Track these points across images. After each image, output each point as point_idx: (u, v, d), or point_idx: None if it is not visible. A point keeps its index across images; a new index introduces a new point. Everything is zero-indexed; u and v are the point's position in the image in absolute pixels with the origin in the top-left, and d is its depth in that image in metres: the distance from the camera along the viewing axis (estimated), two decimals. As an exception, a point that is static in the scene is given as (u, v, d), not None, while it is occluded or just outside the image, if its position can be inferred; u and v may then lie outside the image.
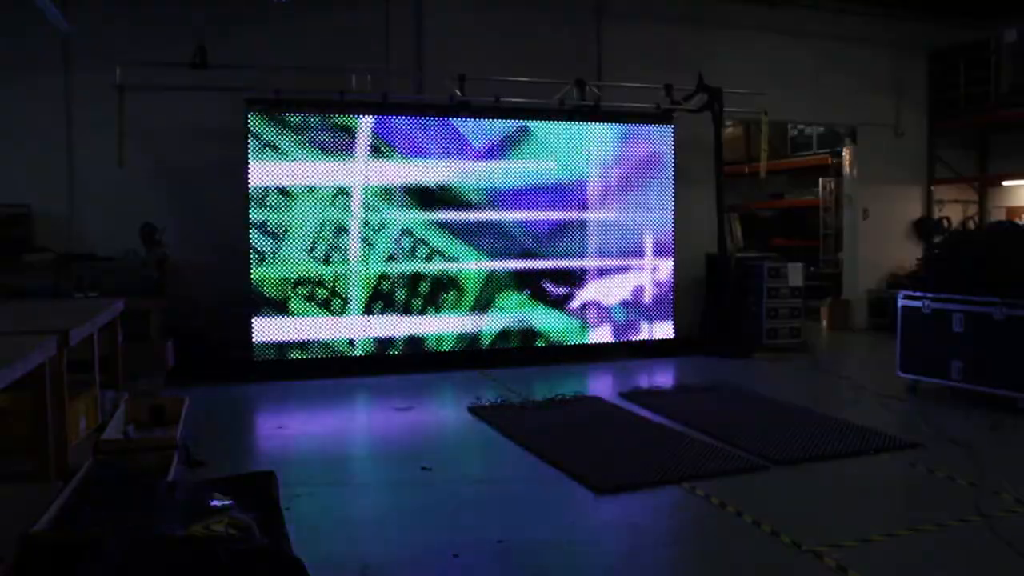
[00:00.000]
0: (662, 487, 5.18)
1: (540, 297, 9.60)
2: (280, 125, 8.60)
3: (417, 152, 9.07)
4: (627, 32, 10.76)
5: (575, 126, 9.71)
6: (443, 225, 9.19)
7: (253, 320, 8.56)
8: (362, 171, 8.88)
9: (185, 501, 3.72)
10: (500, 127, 9.40)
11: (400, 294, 9.05)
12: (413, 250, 9.08)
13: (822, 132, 14.19)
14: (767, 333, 10.59)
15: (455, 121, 9.22)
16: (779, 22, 11.51)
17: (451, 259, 9.23)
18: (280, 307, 8.64)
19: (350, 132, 8.83)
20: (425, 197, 9.10)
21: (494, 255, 9.39)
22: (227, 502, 3.73)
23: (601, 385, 8.28)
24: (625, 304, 10.01)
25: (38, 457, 4.32)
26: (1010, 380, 6.98)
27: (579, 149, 9.72)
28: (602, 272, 9.88)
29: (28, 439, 4.39)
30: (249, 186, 8.52)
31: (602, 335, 9.93)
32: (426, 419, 7.22)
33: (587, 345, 9.87)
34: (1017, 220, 12.07)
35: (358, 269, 8.91)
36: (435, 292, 9.19)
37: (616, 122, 9.91)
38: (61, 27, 8.18)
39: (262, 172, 8.56)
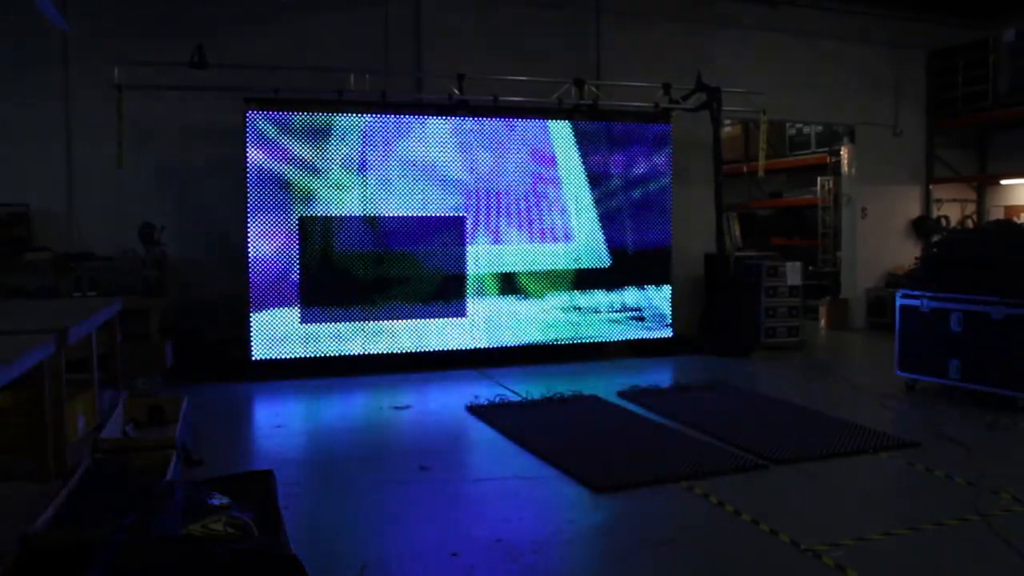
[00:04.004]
0: (660, 486, 5.18)
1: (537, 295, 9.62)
2: (279, 124, 8.62)
3: (414, 148, 9.10)
4: (626, 31, 10.76)
5: (573, 124, 9.72)
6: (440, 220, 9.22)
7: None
8: (360, 169, 8.89)
9: (183, 500, 3.71)
10: (497, 125, 9.41)
11: (399, 292, 9.07)
12: (414, 247, 9.11)
13: (820, 131, 14.20)
14: (765, 332, 10.60)
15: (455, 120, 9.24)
16: (778, 21, 11.51)
17: (449, 256, 9.26)
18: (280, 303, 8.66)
19: (349, 131, 8.85)
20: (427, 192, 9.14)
21: (486, 255, 9.41)
22: (225, 501, 3.72)
23: (599, 384, 8.28)
24: (623, 303, 10.01)
25: (37, 456, 4.32)
26: (1008, 379, 6.99)
27: (577, 148, 9.72)
28: (600, 270, 9.88)
29: (27, 438, 4.39)
30: (248, 185, 8.52)
31: (600, 334, 9.93)
32: (425, 418, 7.22)
33: (585, 344, 9.86)
34: (1015, 219, 12.09)
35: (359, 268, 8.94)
36: (437, 288, 9.21)
37: (614, 121, 9.91)
38: (61, 27, 8.17)
39: (261, 171, 8.56)
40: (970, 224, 13.00)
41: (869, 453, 5.91)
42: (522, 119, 9.51)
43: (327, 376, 8.73)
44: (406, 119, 9.06)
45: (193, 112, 8.93)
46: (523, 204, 9.51)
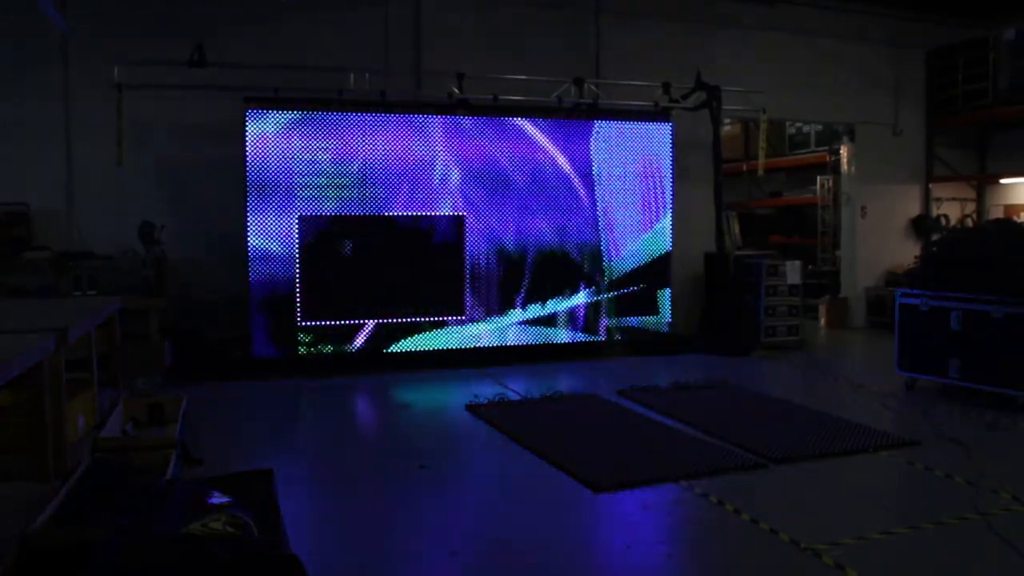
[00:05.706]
0: (660, 485, 5.18)
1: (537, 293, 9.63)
2: (279, 124, 8.61)
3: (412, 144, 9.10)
4: (625, 30, 10.75)
5: (573, 124, 9.71)
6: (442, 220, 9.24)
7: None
8: (360, 168, 8.89)
9: (183, 499, 3.71)
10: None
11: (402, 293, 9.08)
12: (413, 246, 9.12)
13: (820, 130, 14.20)
14: (765, 331, 10.60)
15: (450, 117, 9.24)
16: (778, 20, 11.51)
17: (449, 255, 9.26)
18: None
19: (348, 130, 8.85)
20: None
21: (485, 254, 9.42)
22: (226, 500, 3.73)
23: (599, 383, 8.28)
24: (623, 301, 10.00)
25: (36, 456, 4.32)
26: (1008, 378, 6.99)
27: (576, 147, 9.72)
28: (600, 270, 9.88)
29: (27, 438, 4.39)
30: (248, 185, 8.52)
31: (599, 333, 9.92)
32: (424, 417, 7.22)
33: (585, 343, 9.86)
34: (1015, 218, 12.09)
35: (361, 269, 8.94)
36: (437, 287, 9.22)
37: (614, 120, 9.91)
38: (60, 26, 8.17)
39: (261, 170, 8.56)
40: (970, 223, 13.00)
41: (869, 452, 5.91)
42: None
43: (327, 376, 8.72)
44: (405, 118, 9.06)
45: (193, 112, 8.93)
46: (521, 204, 9.51)
